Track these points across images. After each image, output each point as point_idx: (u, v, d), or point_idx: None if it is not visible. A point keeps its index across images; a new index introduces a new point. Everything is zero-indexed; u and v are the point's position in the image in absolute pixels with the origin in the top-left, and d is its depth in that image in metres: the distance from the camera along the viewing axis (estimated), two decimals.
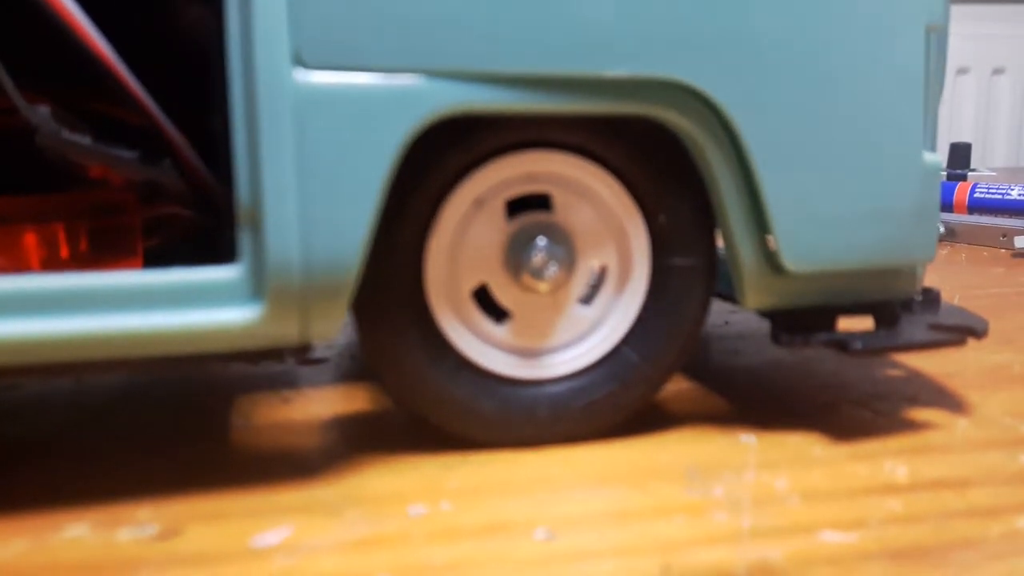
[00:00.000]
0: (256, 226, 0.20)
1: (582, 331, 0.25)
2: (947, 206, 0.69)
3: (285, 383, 0.31)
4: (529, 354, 0.25)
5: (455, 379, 0.24)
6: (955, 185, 0.69)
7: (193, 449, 0.25)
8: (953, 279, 0.50)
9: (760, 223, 0.24)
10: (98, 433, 0.26)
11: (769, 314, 0.25)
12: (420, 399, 0.24)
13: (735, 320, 0.40)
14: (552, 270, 0.24)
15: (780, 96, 0.23)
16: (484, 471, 0.23)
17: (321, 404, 0.28)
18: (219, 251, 0.22)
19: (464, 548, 0.19)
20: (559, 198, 0.24)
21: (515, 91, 0.21)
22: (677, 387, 0.30)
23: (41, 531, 0.20)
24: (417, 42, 0.20)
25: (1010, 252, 0.60)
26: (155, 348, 0.20)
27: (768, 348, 0.35)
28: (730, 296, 0.26)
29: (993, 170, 1.06)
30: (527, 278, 0.24)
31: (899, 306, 0.26)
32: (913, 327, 0.26)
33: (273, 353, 0.21)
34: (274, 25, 0.19)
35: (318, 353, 0.34)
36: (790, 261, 0.23)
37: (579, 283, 0.25)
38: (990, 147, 1.32)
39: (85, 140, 0.22)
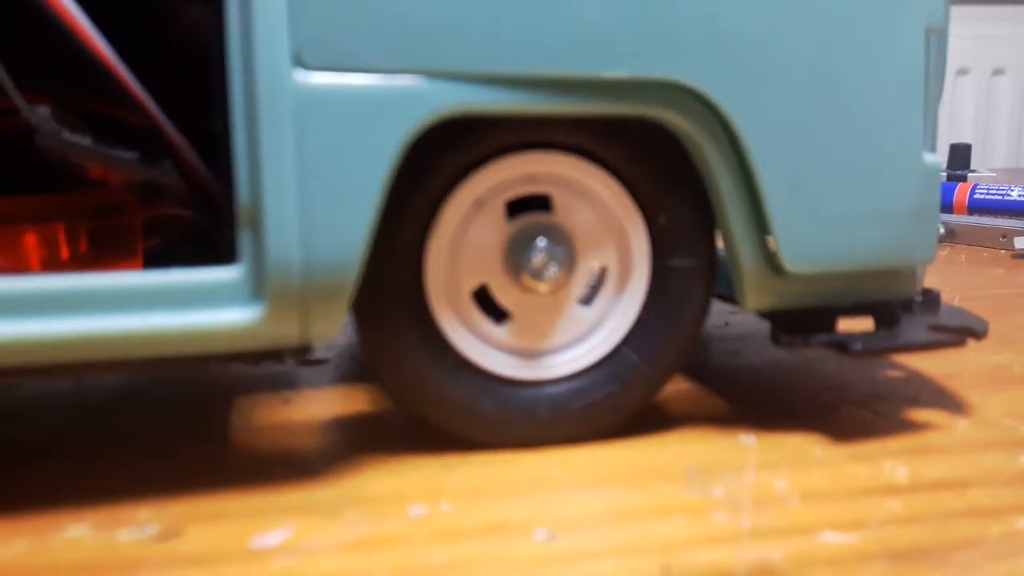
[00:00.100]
0: (256, 227, 0.20)
1: (582, 332, 0.25)
2: (947, 207, 0.69)
3: (285, 384, 0.31)
4: (529, 355, 0.25)
5: (455, 380, 0.24)
6: (955, 186, 0.69)
7: (193, 450, 0.25)
8: (953, 280, 0.50)
9: (760, 224, 0.24)
10: (98, 433, 0.26)
11: (769, 315, 0.25)
12: (420, 400, 0.24)
13: (735, 321, 0.40)
14: (552, 271, 0.24)
15: (780, 97, 0.23)
16: (484, 472, 0.23)
17: (321, 405, 0.28)
18: (219, 252, 0.22)
19: (464, 548, 0.19)
20: (559, 199, 0.24)
21: (515, 92, 0.21)
22: (677, 388, 0.30)
23: (41, 531, 0.20)
24: (417, 43, 0.20)
25: (1010, 253, 0.60)
26: (155, 349, 0.20)
27: (768, 349, 0.35)
28: (730, 297, 0.26)
29: (993, 171, 1.06)
30: (527, 279, 0.24)
31: (899, 307, 0.26)
32: (913, 328, 0.26)
33: (273, 354, 0.21)
34: (274, 26, 0.19)
35: (318, 354, 0.34)
36: (790, 262, 0.23)
37: (579, 284, 0.25)
38: (990, 148, 1.32)
39: (85, 141, 0.22)
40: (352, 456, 0.24)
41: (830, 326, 0.25)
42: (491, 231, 0.24)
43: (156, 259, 0.24)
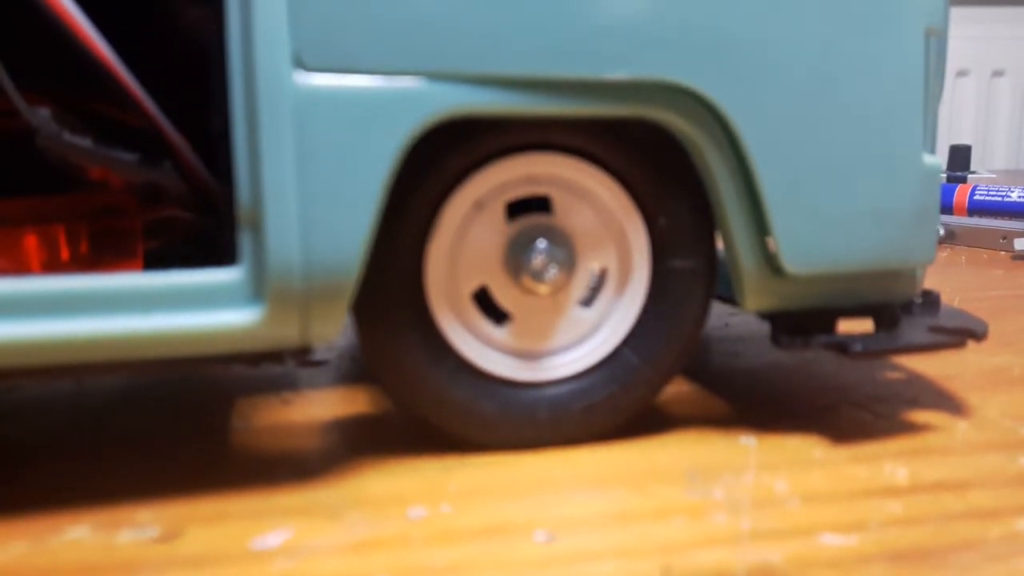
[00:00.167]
0: (256, 228, 0.20)
1: (582, 333, 0.25)
2: (947, 208, 0.69)
3: (285, 385, 0.31)
4: (529, 356, 0.25)
5: (455, 381, 0.24)
6: (955, 187, 0.69)
7: (193, 451, 0.25)
8: (953, 281, 0.50)
9: (760, 225, 0.24)
10: (98, 435, 0.26)
11: (769, 316, 0.25)
12: (420, 401, 0.24)
13: (735, 322, 0.40)
14: (552, 272, 0.24)
15: (780, 98, 0.23)
16: (484, 473, 0.23)
17: (321, 406, 0.28)
18: (219, 253, 0.22)
19: (464, 550, 0.19)
20: (559, 200, 0.24)
21: (515, 93, 0.21)
22: (677, 389, 0.30)
23: (41, 533, 0.20)
24: (417, 44, 0.20)
25: (1010, 254, 0.60)
26: (155, 350, 0.20)
27: (768, 350, 0.35)
28: (730, 298, 0.26)
29: (993, 172, 1.06)
30: (527, 280, 0.24)
31: (899, 308, 0.26)
32: (913, 329, 0.26)
33: (273, 355, 0.21)
34: (274, 27, 0.19)
35: (318, 355, 0.34)
36: (790, 263, 0.24)
37: (579, 285, 0.25)
38: (990, 149, 1.32)
39: (85, 142, 0.22)
40: (352, 457, 0.24)
41: (830, 327, 0.25)
42: (491, 232, 0.24)
43: (156, 260, 0.24)
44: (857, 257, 0.24)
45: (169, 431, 0.27)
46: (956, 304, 0.42)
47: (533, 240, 0.24)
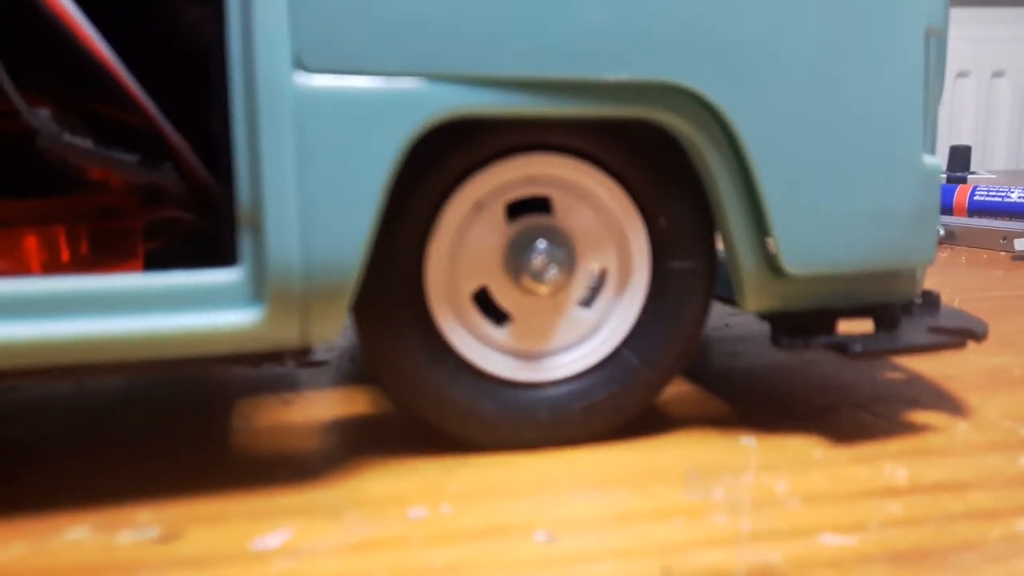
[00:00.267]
0: (256, 229, 0.20)
1: (582, 334, 0.25)
2: (947, 209, 0.69)
3: (285, 385, 0.31)
4: (529, 357, 0.25)
5: (455, 381, 0.24)
6: (955, 188, 0.69)
7: (193, 451, 0.25)
8: (953, 282, 0.50)
9: (760, 226, 0.24)
10: (98, 436, 0.26)
11: (769, 317, 0.25)
12: (420, 401, 0.24)
13: (735, 323, 0.40)
14: (552, 273, 0.24)
15: (780, 99, 0.23)
16: (484, 473, 0.23)
17: (321, 406, 0.28)
18: (219, 254, 0.22)
19: (464, 550, 0.19)
20: (559, 201, 0.24)
21: (515, 94, 0.21)
22: (677, 389, 0.30)
23: (41, 533, 0.20)
24: (417, 46, 0.20)
25: (1010, 255, 0.60)
26: (155, 351, 0.20)
27: (768, 351, 0.35)
28: (730, 299, 0.26)
29: (993, 173, 1.06)
30: (527, 281, 0.24)
31: (899, 309, 0.26)
32: (913, 330, 0.26)
33: (273, 355, 0.21)
34: (275, 28, 0.19)
35: (318, 356, 0.34)
36: (790, 264, 0.24)
37: (579, 286, 0.25)
38: (990, 150, 1.32)
39: (86, 143, 0.22)
40: (352, 458, 0.24)
41: (830, 328, 0.25)
42: (491, 233, 0.24)
43: (157, 261, 0.24)
44: (857, 258, 0.24)
45: (169, 432, 0.27)
46: (956, 305, 0.42)
47: (533, 241, 0.24)
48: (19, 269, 0.23)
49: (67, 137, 0.22)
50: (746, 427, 0.26)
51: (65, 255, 0.23)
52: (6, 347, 0.19)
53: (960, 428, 0.26)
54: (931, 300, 0.28)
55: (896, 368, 0.33)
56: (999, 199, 0.66)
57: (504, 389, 0.24)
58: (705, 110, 0.23)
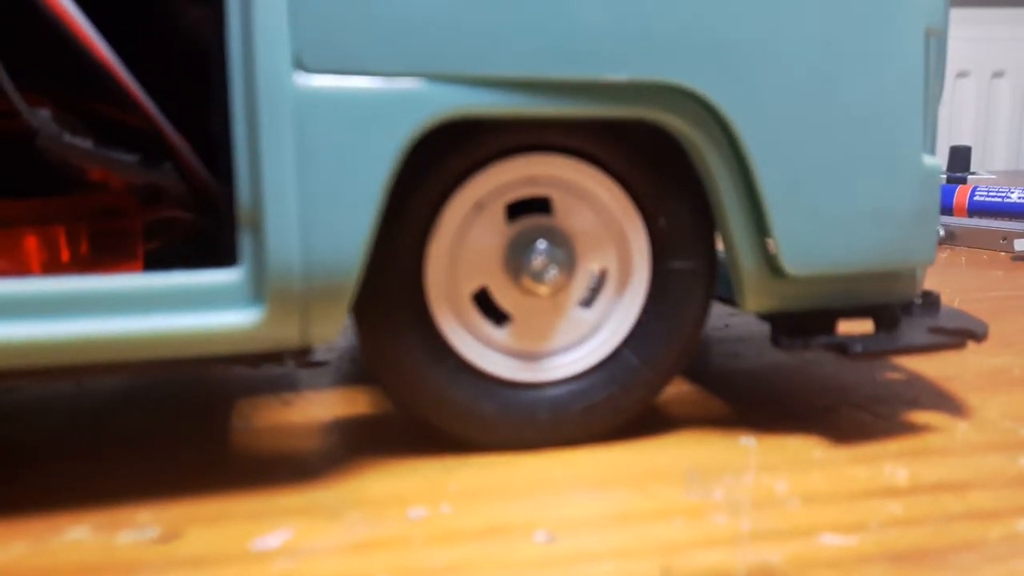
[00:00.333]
0: (256, 229, 0.20)
1: (582, 334, 0.25)
2: (947, 209, 0.69)
3: (285, 386, 0.31)
4: (529, 357, 0.25)
5: (455, 382, 0.24)
6: (955, 188, 0.69)
7: (193, 452, 0.25)
8: (953, 282, 0.50)
9: (760, 226, 0.24)
10: (98, 436, 0.26)
11: (769, 317, 0.25)
12: (420, 401, 0.24)
13: (735, 323, 0.40)
14: (552, 273, 0.24)
15: (780, 99, 0.23)
16: (484, 474, 0.23)
17: (321, 407, 0.29)
18: (219, 254, 0.22)
19: (464, 551, 0.19)
20: (559, 201, 0.24)
21: (515, 95, 0.21)
22: (677, 390, 0.30)
23: (41, 534, 0.20)
24: (417, 46, 0.20)
25: (1010, 255, 0.60)
26: (155, 351, 0.20)
27: (768, 351, 0.35)
28: (730, 299, 0.26)
29: (993, 173, 1.06)
30: (527, 281, 0.24)
31: (899, 309, 0.26)
32: (913, 330, 0.26)
33: (273, 356, 0.21)
34: (275, 28, 0.19)
35: (318, 356, 0.34)
36: (790, 264, 0.24)
37: (579, 286, 0.25)
38: (990, 150, 1.32)
39: (86, 143, 0.22)
40: (352, 458, 0.24)
41: (830, 328, 0.25)
42: (491, 233, 0.24)
43: (157, 261, 0.24)
44: (857, 258, 0.24)
45: (169, 432, 0.27)
46: (956, 305, 0.42)
47: (533, 241, 0.24)
48: (19, 269, 0.23)
49: (67, 137, 0.22)
50: (746, 427, 0.26)
51: (65, 255, 0.23)
52: (6, 347, 0.19)
53: (960, 428, 0.26)
54: (931, 300, 0.28)
55: (896, 368, 0.33)
56: (999, 199, 0.66)
57: (504, 389, 0.24)
58: (705, 110, 0.23)
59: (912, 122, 0.24)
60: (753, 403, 0.29)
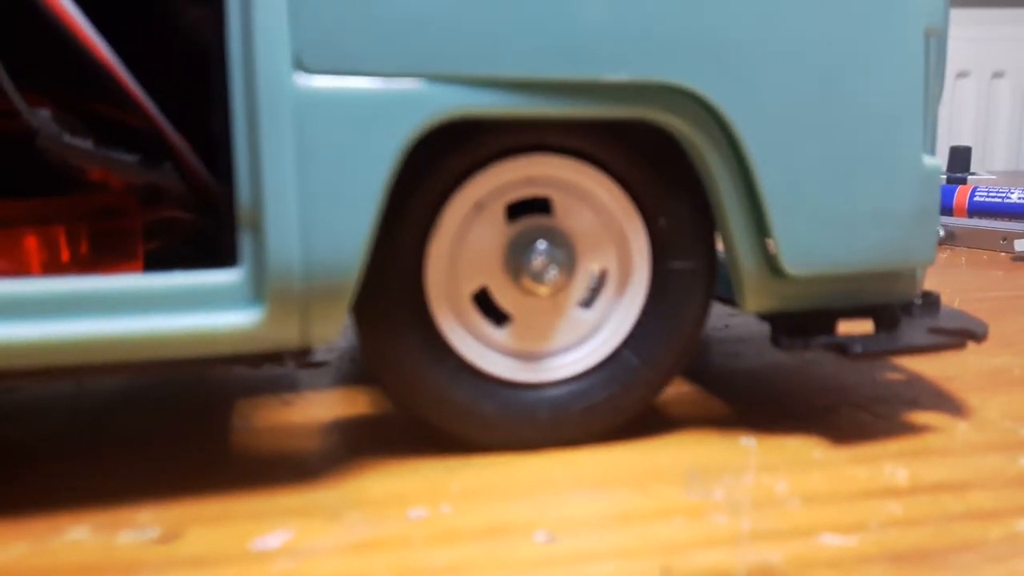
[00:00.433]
0: (257, 229, 0.20)
1: (582, 334, 0.25)
2: (947, 209, 0.69)
3: (285, 386, 0.31)
4: (529, 357, 0.25)
5: (455, 382, 0.24)
6: (955, 188, 0.69)
7: (194, 452, 0.25)
8: (953, 282, 0.50)
9: (760, 226, 0.24)
10: (99, 436, 0.26)
11: (769, 317, 0.25)
12: (420, 402, 0.24)
13: (735, 323, 0.40)
14: (552, 273, 0.24)
15: (779, 99, 0.23)
16: (484, 474, 0.23)
17: (321, 407, 0.29)
18: (220, 254, 0.22)
19: (464, 551, 0.19)
20: (559, 202, 0.24)
21: (514, 95, 0.21)
22: (677, 390, 0.30)
23: (41, 534, 0.20)
24: (417, 46, 0.20)
25: (1010, 256, 0.60)
26: (155, 351, 0.20)
27: (768, 351, 0.35)
28: (730, 299, 0.26)
29: (993, 173, 1.06)
30: (527, 281, 0.24)
31: (899, 309, 0.26)
32: (913, 330, 0.26)
33: (273, 356, 0.21)
34: (275, 29, 0.19)
35: (318, 356, 0.34)
36: (790, 264, 0.24)
37: (579, 286, 0.25)
38: (990, 150, 1.32)
39: (86, 143, 0.22)
40: (352, 458, 0.24)
41: (830, 328, 0.25)
42: (491, 233, 0.24)
43: (157, 262, 0.24)
44: (857, 258, 0.24)
45: (169, 432, 0.27)
46: (956, 305, 0.42)
47: (533, 241, 0.24)
48: (19, 269, 0.23)
49: (67, 137, 0.22)
50: (746, 427, 0.26)
51: (65, 255, 0.23)
52: (6, 347, 0.19)
53: (960, 428, 0.26)
54: (931, 301, 0.28)
55: (896, 369, 0.33)
56: (999, 200, 0.66)
57: (504, 389, 0.24)
58: (705, 110, 0.23)
59: (912, 122, 0.24)
60: (753, 403, 0.29)
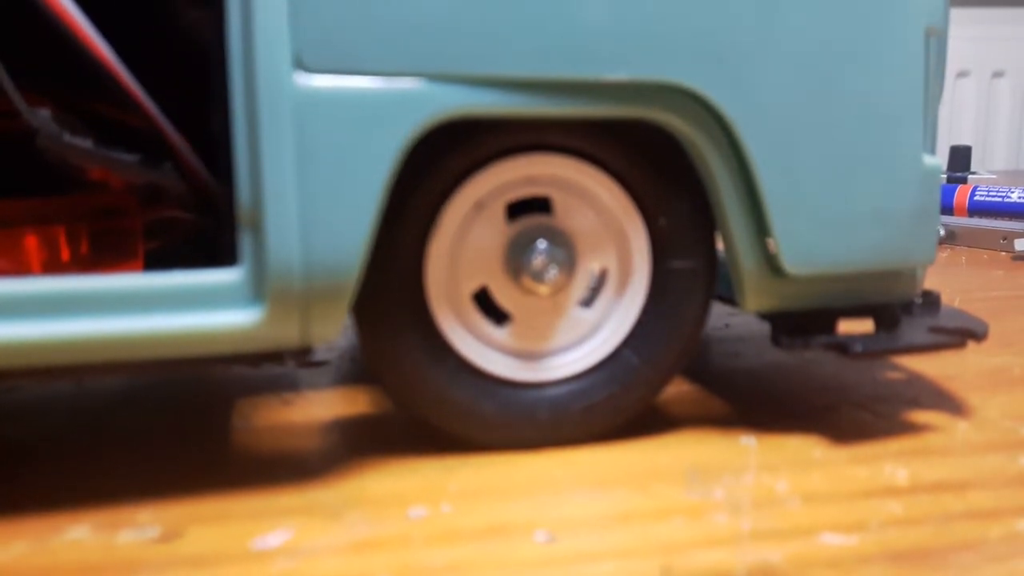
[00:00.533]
0: (257, 229, 0.20)
1: (582, 334, 0.25)
2: (947, 209, 0.69)
3: (286, 385, 0.31)
4: (529, 356, 0.25)
5: (455, 381, 0.24)
6: (955, 188, 0.69)
7: (194, 451, 0.25)
8: (953, 282, 0.50)
9: (760, 225, 0.24)
10: (99, 435, 0.26)
11: (769, 316, 0.25)
12: (420, 401, 0.24)
13: (735, 323, 0.40)
14: (552, 273, 0.24)
15: (779, 99, 0.23)
16: (484, 473, 0.23)
17: (321, 406, 0.29)
18: (220, 254, 0.22)
19: (464, 550, 0.19)
20: (559, 201, 0.24)
21: (515, 95, 0.21)
22: (677, 389, 0.30)
23: (42, 533, 0.20)
24: (417, 46, 0.20)
25: (1010, 255, 0.60)
26: (156, 351, 0.20)
27: (768, 350, 0.35)
28: (730, 298, 0.26)
29: (993, 173, 1.06)
30: (527, 281, 0.24)
31: (899, 309, 0.26)
32: (913, 330, 0.26)
33: (274, 355, 0.21)
34: (275, 28, 0.19)
35: (318, 355, 0.34)
36: (790, 264, 0.24)
37: (579, 286, 0.25)
38: (990, 150, 1.32)
39: (86, 143, 0.22)
40: (352, 458, 0.24)
41: (830, 328, 0.25)
42: (491, 233, 0.24)
43: (157, 261, 0.24)
44: (857, 257, 0.24)
45: (169, 431, 0.27)
46: (956, 304, 0.42)
47: (533, 241, 0.24)
48: (19, 269, 0.23)
49: (67, 137, 0.22)
50: (746, 427, 0.26)
51: (65, 255, 0.23)
52: (6, 347, 0.19)
53: (960, 428, 0.26)
54: (931, 300, 0.28)
55: (896, 368, 0.33)
56: (999, 199, 0.66)
57: (504, 389, 0.24)
58: (705, 110, 0.23)
59: (912, 122, 0.24)
60: (753, 402, 0.29)
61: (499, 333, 0.24)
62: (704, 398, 0.29)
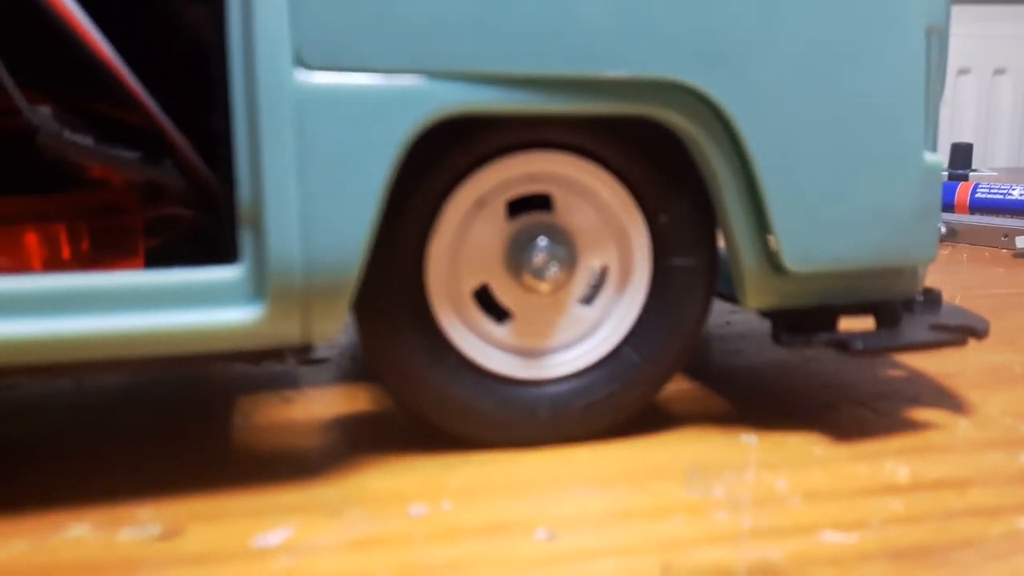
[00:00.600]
0: (257, 226, 0.20)
1: (583, 331, 0.25)
2: (948, 206, 0.69)
3: (286, 383, 0.31)
4: (530, 354, 0.25)
5: (456, 379, 0.24)
6: (956, 185, 0.69)
7: (194, 449, 0.25)
8: (954, 279, 0.50)
9: (761, 223, 0.24)
10: (99, 433, 0.26)
11: (770, 314, 0.25)
12: (421, 399, 0.24)
13: (736, 320, 0.40)
14: (553, 270, 0.24)
15: (780, 96, 0.23)
16: (485, 471, 0.23)
17: (322, 404, 0.29)
18: (220, 251, 0.22)
19: (465, 548, 0.19)
20: (560, 198, 0.24)
21: (515, 92, 0.21)
22: (678, 387, 0.30)
23: (42, 531, 0.20)
24: (418, 43, 0.20)
25: (1011, 252, 0.60)
26: (156, 348, 0.20)
27: (769, 348, 0.35)
28: (731, 296, 0.26)
29: (994, 170, 1.05)
30: (528, 278, 0.24)
31: (900, 306, 0.26)
32: (914, 327, 0.26)
33: (274, 353, 0.21)
34: (275, 26, 0.19)
35: (319, 353, 0.34)
36: (791, 261, 0.23)
37: (580, 283, 0.25)
38: (991, 147, 1.32)
39: (86, 141, 0.22)
40: (353, 455, 0.24)
41: (831, 325, 0.25)
42: (492, 230, 0.24)
43: (157, 259, 0.24)
44: (858, 255, 0.24)
45: (170, 429, 0.27)
46: (957, 302, 0.42)
47: (534, 238, 0.24)
48: (20, 266, 0.23)
49: (67, 135, 0.22)
50: (747, 424, 0.26)
51: (66, 252, 0.23)
52: (7, 344, 0.19)
53: (961, 425, 0.26)
54: (932, 297, 0.28)
55: (897, 365, 0.33)
56: (1000, 196, 0.66)
57: (505, 387, 0.24)
58: (706, 107, 0.23)
59: (914, 119, 0.24)
60: (754, 400, 0.29)
61: (500, 331, 0.24)
62: (705, 396, 0.29)
